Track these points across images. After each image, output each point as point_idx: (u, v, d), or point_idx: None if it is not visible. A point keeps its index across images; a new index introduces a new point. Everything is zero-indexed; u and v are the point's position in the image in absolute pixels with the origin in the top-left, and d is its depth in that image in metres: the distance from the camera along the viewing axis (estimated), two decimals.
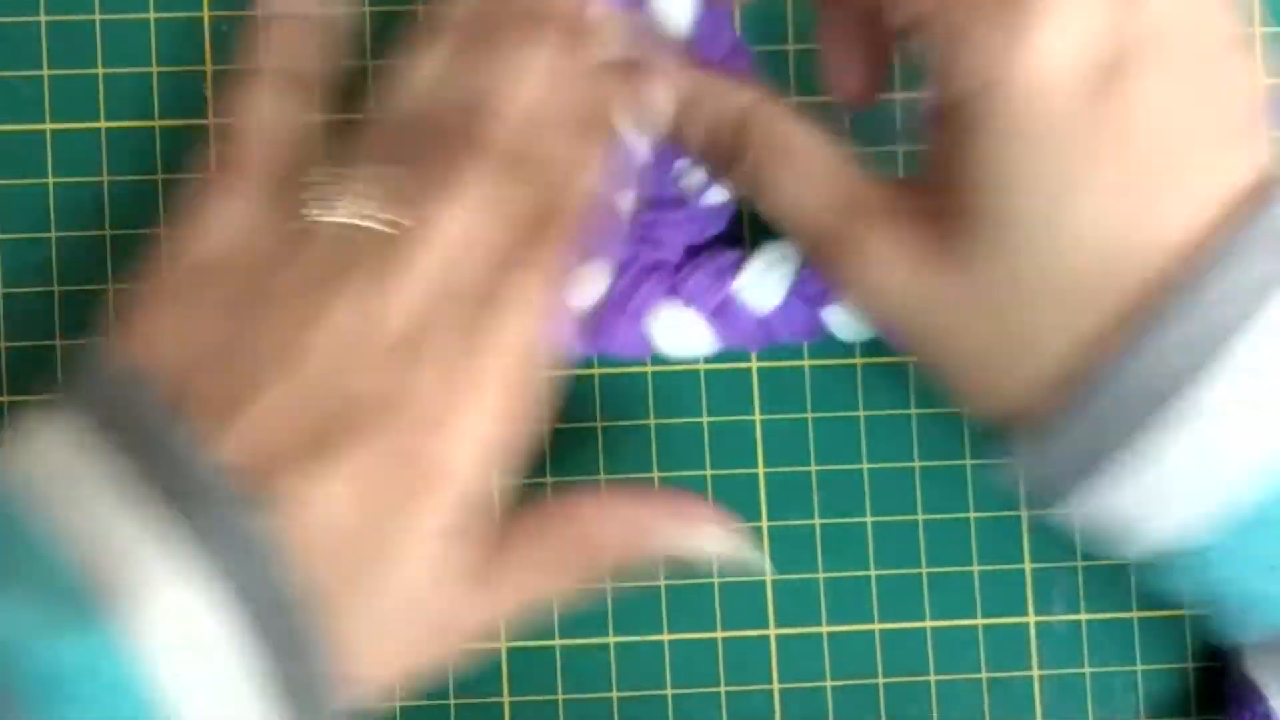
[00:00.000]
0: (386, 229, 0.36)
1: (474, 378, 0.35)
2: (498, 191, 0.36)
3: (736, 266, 0.42)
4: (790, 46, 0.44)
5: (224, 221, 0.37)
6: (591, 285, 0.41)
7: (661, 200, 0.42)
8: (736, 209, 0.42)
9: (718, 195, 0.42)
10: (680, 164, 0.41)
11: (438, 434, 0.35)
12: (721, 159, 0.39)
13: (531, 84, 0.37)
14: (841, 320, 0.42)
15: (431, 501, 0.35)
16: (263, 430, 0.34)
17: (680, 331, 0.42)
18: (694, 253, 0.42)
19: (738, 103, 0.39)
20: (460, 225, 0.36)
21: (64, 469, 0.34)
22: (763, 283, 0.42)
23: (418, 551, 0.35)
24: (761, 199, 0.39)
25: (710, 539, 0.38)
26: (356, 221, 0.36)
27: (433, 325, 0.35)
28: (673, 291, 0.42)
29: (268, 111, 0.39)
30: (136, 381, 0.35)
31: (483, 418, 0.35)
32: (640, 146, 0.40)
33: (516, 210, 0.37)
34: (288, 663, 0.33)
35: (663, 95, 0.39)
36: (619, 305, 0.42)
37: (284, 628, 0.33)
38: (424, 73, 0.38)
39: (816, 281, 0.41)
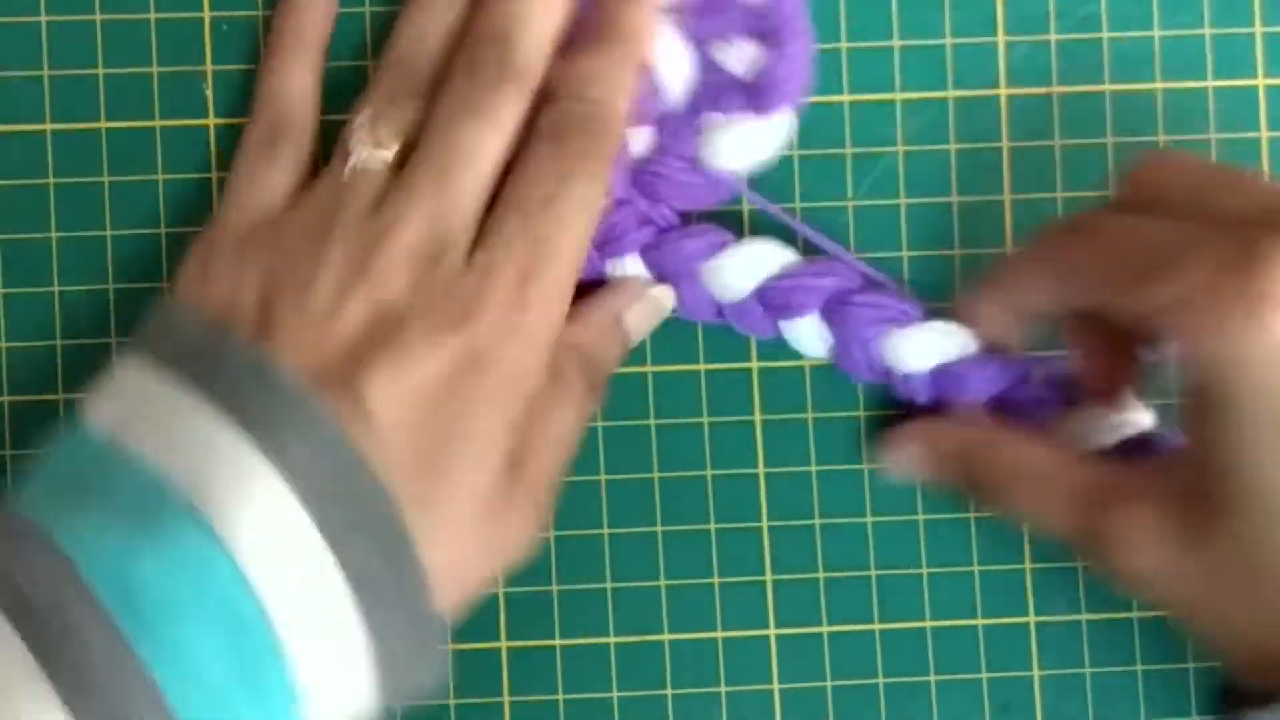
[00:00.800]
0: (434, 158, 0.38)
1: (541, 284, 0.38)
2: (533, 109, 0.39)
3: (718, 249, 0.42)
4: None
5: (276, 177, 0.40)
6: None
7: (675, 156, 0.42)
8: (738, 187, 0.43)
9: (732, 164, 0.42)
10: (704, 123, 0.41)
11: (512, 338, 0.37)
12: (975, 496, 0.41)
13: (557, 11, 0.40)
14: (799, 335, 0.43)
15: (503, 403, 0.37)
16: (339, 341, 0.36)
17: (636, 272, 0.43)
18: (685, 219, 0.43)
19: (964, 438, 0.41)
20: (500, 144, 0.39)
21: (146, 398, 0.36)
22: (732, 276, 0.42)
23: (487, 449, 0.37)
24: (1019, 519, 0.40)
25: (639, 316, 0.42)
26: (390, 156, 0.39)
27: (498, 234, 0.38)
28: (646, 257, 0.42)
29: (297, 75, 0.42)
30: (202, 320, 0.37)
31: (549, 321, 0.38)
32: (673, 89, 0.41)
33: (559, 126, 0.39)
34: (375, 560, 0.35)
35: (909, 449, 0.42)
36: (594, 240, 0.42)
37: (369, 527, 0.35)
38: (438, 13, 0.41)
39: (785, 295, 0.42)
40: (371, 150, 0.39)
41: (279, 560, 0.34)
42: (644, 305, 0.42)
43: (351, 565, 0.35)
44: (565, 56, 0.40)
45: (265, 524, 0.34)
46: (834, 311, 0.42)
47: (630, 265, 0.42)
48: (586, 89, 0.39)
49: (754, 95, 0.41)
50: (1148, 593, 0.38)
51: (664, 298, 0.42)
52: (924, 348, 0.42)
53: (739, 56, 0.41)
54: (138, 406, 0.36)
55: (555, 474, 0.40)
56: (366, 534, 0.35)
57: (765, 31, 0.41)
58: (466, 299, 0.37)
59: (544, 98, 0.40)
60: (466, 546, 0.38)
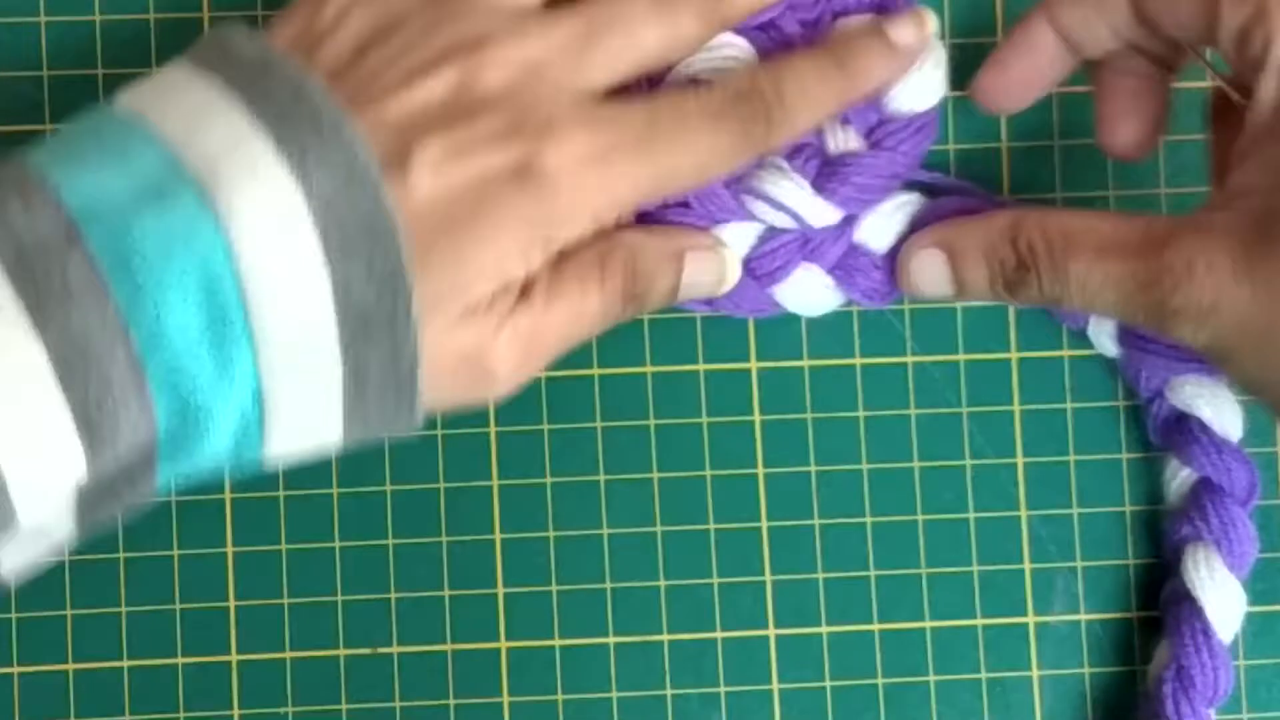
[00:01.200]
0: (592, 12, 0.38)
1: (630, 164, 0.37)
2: None
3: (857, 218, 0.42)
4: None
5: None
6: (735, 247, 0.42)
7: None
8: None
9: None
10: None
11: (573, 184, 0.37)
12: (1012, 278, 0.39)
13: None
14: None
15: (530, 232, 0.37)
16: (413, 101, 0.36)
17: (806, 289, 0.42)
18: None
19: (1003, 220, 0.39)
20: (660, 45, 0.39)
21: (180, 88, 0.36)
22: (882, 225, 0.42)
23: (494, 263, 0.37)
24: (1066, 288, 0.38)
25: (702, 267, 0.41)
26: None
27: (620, 103, 0.38)
28: (805, 254, 0.42)
29: None
30: (278, 49, 0.37)
31: (614, 198, 0.38)
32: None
33: (742, 96, 0.39)
34: (367, 289, 0.35)
35: (931, 253, 0.40)
36: (754, 270, 0.42)
37: (370, 257, 0.35)
38: None
39: (931, 218, 0.42)
40: None
41: (271, 255, 0.34)
42: (710, 258, 0.41)
43: (341, 284, 0.35)
44: (787, 50, 0.40)
45: (267, 218, 0.34)
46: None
47: (799, 275, 0.42)
48: (787, 89, 0.39)
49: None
50: (1204, 332, 0.37)
51: (731, 264, 0.42)
52: None
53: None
54: (170, 94, 0.36)
55: (556, 342, 0.39)
56: (365, 261, 0.35)
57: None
58: (552, 121, 0.37)
59: (744, 70, 0.40)
60: (441, 344, 0.37)
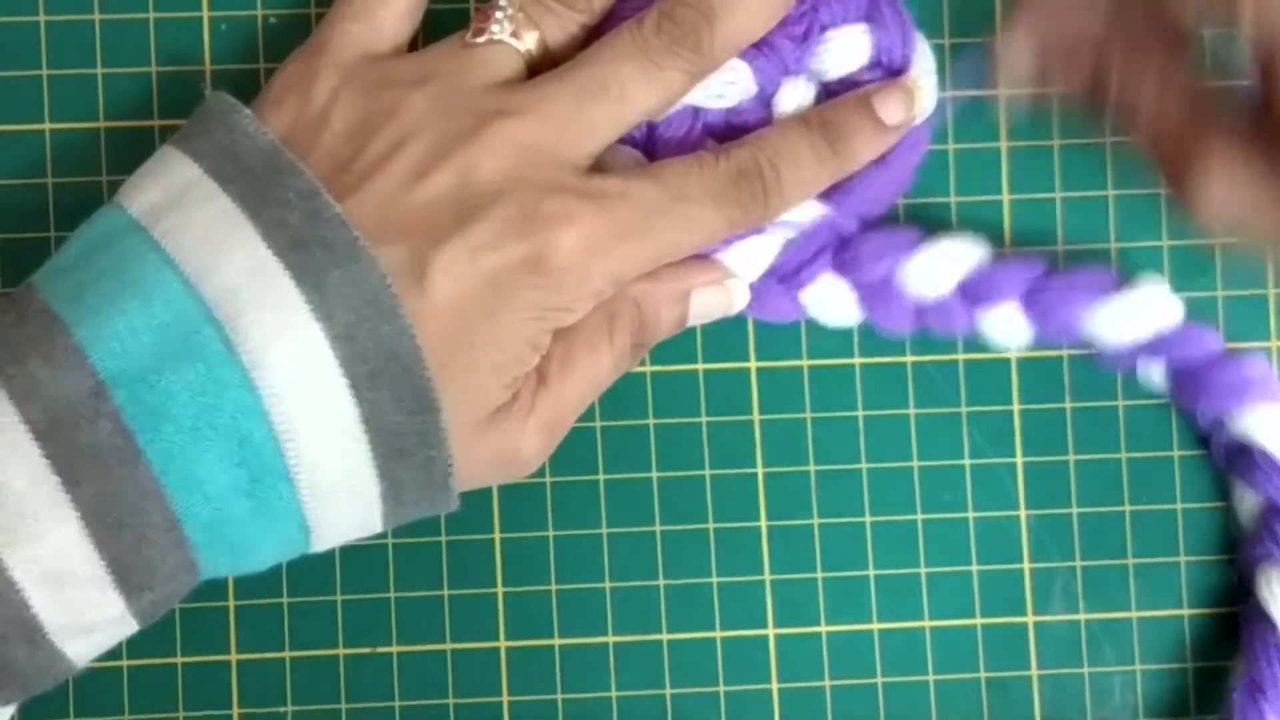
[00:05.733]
0: (581, 77, 0.38)
1: (629, 248, 0.38)
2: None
3: (910, 248, 0.42)
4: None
5: (389, 17, 0.40)
6: (760, 257, 0.42)
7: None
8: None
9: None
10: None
11: (579, 274, 0.37)
12: (1087, 92, 0.39)
13: None
14: (994, 325, 0.42)
15: (543, 321, 0.37)
16: (419, 203, 0.36)
17: (829, 302, 0.42)
18: (867, 224, 0.43)
19: (1094, 33, 0.39)
20: (649, 104, 0.39)
21: (196, 204, 0.36)
22: (933, 271, 0.42)
23: (511, 358, 0.37)
24: (1128, 121, 0.39)
25: (709, 300, 0.41)
26: (527, 50, 0.39)
27: (616, 176, 0.38)
28: (838, 263, 0.42)
29: None
30: (277, 141, 0.37)
31: (616, 276, 0.38)
32: None
33: (738, 166, 0.39)
34: (396, 414, 0.35)
35: (1022, 45, 0.40)
36: (784, 274, 0.42)
37: (396, 382, 0.35)
38: None
39: (984, 281, 0.42)
40: (508, 36, 0.39)
41: (302, 403, 0.35)
42: (716, 291, 0.41)
43: (371, 413, 0.35)
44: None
45: (293, 362, 0.34)
46: (1034, 296, 0.42)
47: (825, 283, 0.42)
48: (784, 172, 0.39)
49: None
50: (1237, 217, 0.38)
51: (737, 291, 0.42)
52: (1127, 318, 0.42)
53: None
54: (184, 209, 0.36)
55: (576, 409, 0.40)
56: (392, 388, 0.35)
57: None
58: (558, 207, 0.37)
59: (743, 147, 0.40)
60: (472, 448, 0.38)
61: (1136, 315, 0.42)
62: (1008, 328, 0.43)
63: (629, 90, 0.38)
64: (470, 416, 0.37)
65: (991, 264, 0.42)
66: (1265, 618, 0.42)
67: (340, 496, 0.36)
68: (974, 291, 0.42)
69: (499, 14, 0.39)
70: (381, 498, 0.37)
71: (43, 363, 0.34)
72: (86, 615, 0.34)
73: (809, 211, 0.41)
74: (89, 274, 0.35)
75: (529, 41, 0.39)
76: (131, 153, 0.43)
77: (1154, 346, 0.42)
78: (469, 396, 0.37)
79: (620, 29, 0.39)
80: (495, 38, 0.39)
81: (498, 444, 0.38)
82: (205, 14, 0.43)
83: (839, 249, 0.42)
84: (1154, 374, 0.43)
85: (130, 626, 0.36)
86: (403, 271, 0.36)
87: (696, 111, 0.41)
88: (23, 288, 0.36)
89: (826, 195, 0.41)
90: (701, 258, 0.41)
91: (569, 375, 0.39)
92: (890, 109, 0.40)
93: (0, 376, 0.34)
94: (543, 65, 0.40)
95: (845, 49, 0.41)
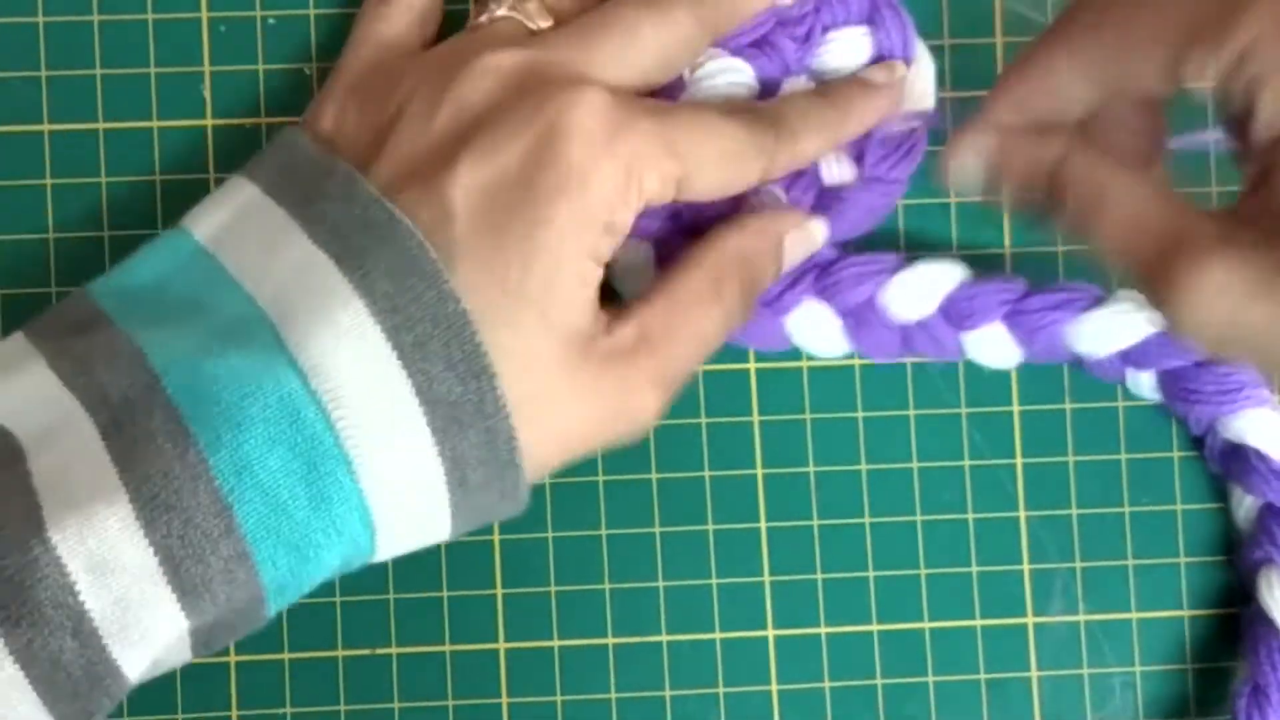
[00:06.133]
0: (584, 21, 0.39)
1: (637, 136, 0.37)
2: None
3: (891, 272, 0.42)
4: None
5: (401, 14, 0.41)
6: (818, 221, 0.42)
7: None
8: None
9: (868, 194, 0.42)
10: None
11: (586, 147, 0.36)
12: (1039, 210, 0.39)
13: None
14: (980, 347, 0.42)
15: (574, 193, 0.36)
16: (430, 143, 0.37)
17: (815, 329, 0.42)
18: (846, 248, 0.43)
19: (1048, 156, 0.38)
20: (659, 45, 0.39)
21: (246, 219, 0.37)
22: (913, 293, 0.42)
23: (563, 264, 0.36)
24: (1089, 245, 0.38)
25: (796, 243, 0.41)
26: (533, 26, 0.39)
27: (633, 100, 0.38)
28: (819, 288, 0.42)
29: None
30: (313, 147, 0.38)
31: (624, 157, 0.37)
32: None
33: (756, 111, 0.39)
34: (449, 378, 0.35)
35: (971, 157, 0.39)
36: (766, 298, 0.42)
37: (444, 347, 0.35)
38: None
39: (967, 303, 0.42)
40: (510, 12, 0.39)
41: (350, 378, 0.35)
42: (802, 234, 0.41)
43: (423, 384, 0.35)
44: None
45: (339, 341, 0.35)
46: (1016, 317, 0.42)
47: (808, 308, 0.42)
48: (791, 114, 0.40)
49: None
50: (1220, 340, 0.36)
51: (818, 230, 0.42)
52: (1109, 331, 0.42)
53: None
54: (237, 225, 0.37)
55: (689, 367, 0.39)
56: (443, 355, 0.35)
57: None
58: (566, 90, 0.37)
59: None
60: (555, 382, 0.37)
61: (1118, 327, 0.42)
62: (994, 349, 0.42)
63: (635, 25, 0.38)
64: (548, 353, 0.37)
65: (973, 284, 0.42)
66: (1267, 621, 0.42)
67: (402, 481, 0.36)
68: (957, 313, 0.42)
69: None
70: (446, 480, 0.36)
71: (105, 368, 0.35)
72: (138, 615, 0.34)
73: None
74: (160, 302, 0.36)
75: (540, 21, 0.40)
76: (130, 153, 0.43)
77: (1139, 356, 0.42)
78: (538, 330, 0.36)
79: None
80: (496, 15, 0.40)
81: (600, 388, 0.37)
82: (205, 14, 0.43)
83: (820, 275, 0.42)
84: (1143, 383, 0.43)
85: (185, 645, 0.35)
86: (425, 211, 0.36)
87: None
88: (86, 305, 0.37)
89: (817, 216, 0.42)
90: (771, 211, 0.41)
91: (678, 333, 0.39)
92: (873, 73, 0.41)
93: (72, 387, 0.35)
94: None
95: (846, 50, 0.41)
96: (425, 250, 0.35)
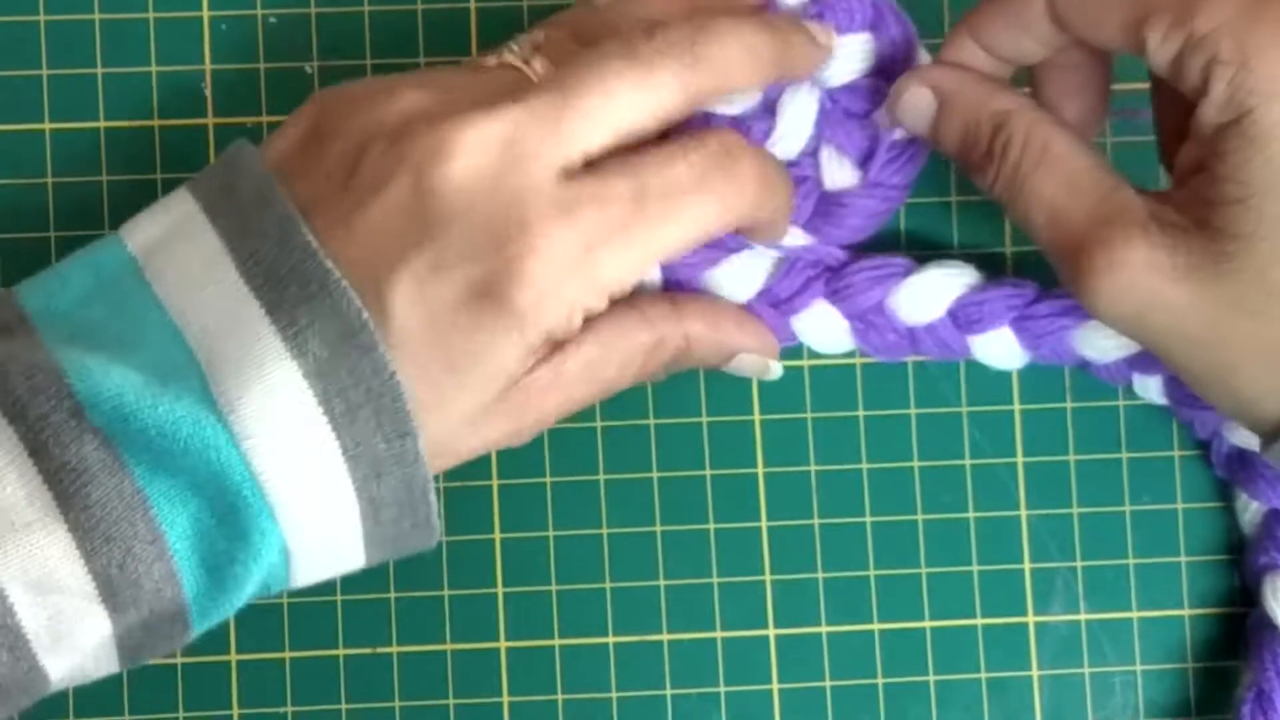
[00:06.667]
0: (563, 77, 0.37)
1: (613, 252, 0.36)
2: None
3: (901, 275, 0.42)
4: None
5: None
6: (750, 277, 0.41)
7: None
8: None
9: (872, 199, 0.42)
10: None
11: (547, 285, 0.35)
12: (976, 159, 0.39)
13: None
14: (987, 350, 0.42)
15: (523, 331, 0.36)
16: (377, 224, 0.35)
17: (823, 330, 0.42)
18: (856, 250, 0.43)
19: (999, 105, 0.39)
20: (642, 105, 0.37)
21: (185, 241, 0.36)
22: (922, 297, 0.42)
23: (497, 371, 0.36)
24: (1014, 202, 0.38)
25: (748, 364, 0.41)
26: (520, 65, 0.38)
27: (598, 180, 0.36)
28: (830, 291, 0.42)
29: None
30: (267, 168, 0.36)
31: (598, 288, 0.36)
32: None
33: (730, 153, 0.38)
34: (375, 439, 0.35)
35: (923, 93, 0.39)
36: (776, 299, 0.42)
37: (374, 410, 0.35)
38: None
39: (975, 308, 0.42)
40: (521, 61, 0.38)
41: (279, 440, 0.34)
42: (759, 361, 0.41)
43: (349, 444, 0.35)
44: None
45: (268, 402, 0.34)
46: (1023, 321, 0.42)
47: (818, 310, 0.42)
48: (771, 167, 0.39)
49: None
50: (1134, 320, 0.37)
51: (775, 369, 0.42)
52: (1115, 336, 0.42)
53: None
54: (175, 247, 0.36)
55: (572, 409, 0.39)
56: (371, 419, 0.35)
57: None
58: (527, 222, 0.35)
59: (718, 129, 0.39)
60: (467, 425, 0.37)
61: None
62: (1001, 352, 0.42)
63: (615, 86, 0.36)
64: (457, 422, 0.37)
65: (982, 289, 0.42)
66: (1272, 626, 0.42)
67: (321, 524, 0.36)
68: (965, 318, 0.42)
69: (514, 45, 0.39)
70: (361, 520, 0.36)
71: (24, 382, 0.34)
72: (70, 629, 0.34)
73: (794, 239, 0.41)
74: (86, 320, 0.36)
75: (540, 68, 0.38)
76: (131, 153, 0.43)
77: (1146, 362, 0.42)
78: (454, 412, 0.36)
79: (607, 37, 0.38)
80: (504, 60, 0.38)
81: (493, 429, 0.38)
82: (205, 14, 0.43)
83: (831, 278, 0.42)
84: (1150, 387, 0.43)
85: (112, 656, 0.35)
86: (367, 296, 0.35)
87: (707, 118, 0.40)
88: (11, 307, 0.36)
89: (810, 226, 0.41)
90: (757, 322, 0.41)
91: (586, 377, 0.38)
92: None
93: None
94: None
95: (849, 56, 0.41)
96: (362, 319, 0.34)
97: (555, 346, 0.37)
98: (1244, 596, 0.44)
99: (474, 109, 0.36)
